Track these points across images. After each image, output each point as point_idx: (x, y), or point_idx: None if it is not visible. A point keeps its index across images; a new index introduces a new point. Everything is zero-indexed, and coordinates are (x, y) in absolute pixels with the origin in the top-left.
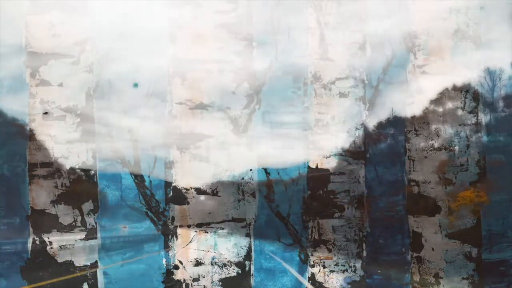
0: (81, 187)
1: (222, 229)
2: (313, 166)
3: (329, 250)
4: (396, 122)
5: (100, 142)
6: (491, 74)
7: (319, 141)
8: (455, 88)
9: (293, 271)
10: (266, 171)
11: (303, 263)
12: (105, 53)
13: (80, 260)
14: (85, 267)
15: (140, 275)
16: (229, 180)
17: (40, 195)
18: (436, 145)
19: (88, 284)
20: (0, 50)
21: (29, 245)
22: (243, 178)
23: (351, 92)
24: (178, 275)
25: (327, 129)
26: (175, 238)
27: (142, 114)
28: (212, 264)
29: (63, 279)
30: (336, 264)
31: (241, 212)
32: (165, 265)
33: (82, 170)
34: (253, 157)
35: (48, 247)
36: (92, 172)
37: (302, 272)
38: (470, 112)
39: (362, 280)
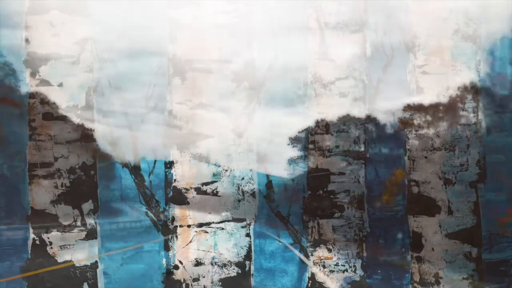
0: (81, 187)
1: (222, 229)
2: (313, 166)
3: (329, 250)
4: (395, 122)
5: (100, 142)
6: (491, 73)
7: (319, 141)
8: (455, 88)
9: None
10: (267, 177)
11: (303, 263)
12: (105, 53)
13: (80, 260)
14: (85, 267)
15: (140, 275)
16: (229, 180)
17: (40, 195)
18: (436, 145)
19: (88, 284)
20: None
21: (29, 245)
22: (243, 178)
23: (351, 92)
24: (178, 275)
25: (327, 129)
26: (175, 238)
27: (142, 114)
28: (212, 264)
29: (64, 279)
30: (336, 264)
31: (241, 212)
32: (165, 265)
33: (82, 170)
34: (253, 157)
35: (48, 247)
36: (92, 172)
37: (302, 272)
38: (470, 112)
39: (362, 280)
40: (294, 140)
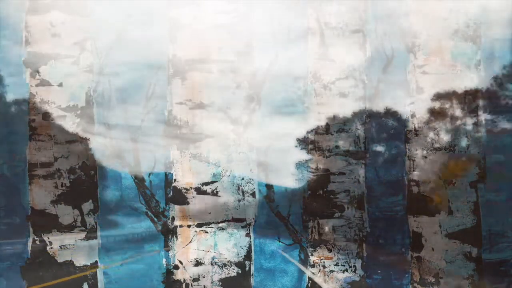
0: (81, 187)
1: (222, 229)
2: (313, 166)
3: (329, 250)
4: (396, 122)
5: (100, 142)
6: (491, 73)
7: (319, 141)
8: (455, 88)
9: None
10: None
11: (303, 263)
12: (105, 53)
13: (80, 260)
14: (85, 267)
15: (140, 275)
16: (229, 180)
17: (40, 195)
18: (436, 145)
19: (88, 284)
20: None
21: (29, 245)
22: (243, 178)
23: (351, 92)
24: (178, 275)
25: (327, 129)
26: (175, 238)
27: (142, 114)
28: (212, 264)
29: (64, 280)
30: (336, 264)
31: (241, 212)
32: (165, 265)
33: (82, 170)
34: (253, 157)
35: (48, 247)
36: (92, 172)
37: (302, 272)
38: (470, 112)
39: (362, 280)
40: (302, 142)
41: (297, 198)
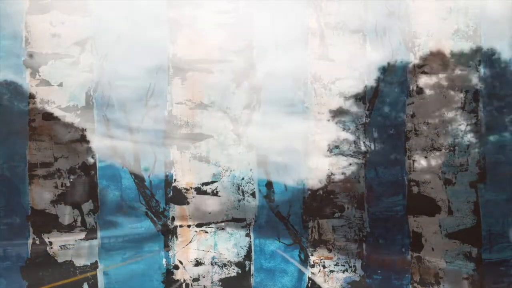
0: (81, 187)
1: (222, 229)
2: (313, 166)
3: (329, 250)
4: (396, 122)
5: (100, 142)
6: (491, 73)
7: (319, 141)
8: (455, 88)
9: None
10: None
11: (303, 263)
12: (105, 53)
13: (80, 260)
14: (85, 267)
15: (140, 275)
16: (229, 180)
17: (40, 195)
18: (436, 145)
19: (88, 284)
20: None
21: (29, 245)
22: (243, 178)
23: (351, 92)
24: (178, 275)
25: (327, 129)
26: (175, 238)
27: (142, 114)
28: (212, 264)
29: (64, 279)
30: (336, 264)
31: (241, 212)
32: (165, 265)
33: (82, 170)
34: (253, 157)
35: (48, 247)
36: (92, 172)
37: (302, 272)
38: (470, 112)
39: (362, 280)
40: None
41: (297, 198)
